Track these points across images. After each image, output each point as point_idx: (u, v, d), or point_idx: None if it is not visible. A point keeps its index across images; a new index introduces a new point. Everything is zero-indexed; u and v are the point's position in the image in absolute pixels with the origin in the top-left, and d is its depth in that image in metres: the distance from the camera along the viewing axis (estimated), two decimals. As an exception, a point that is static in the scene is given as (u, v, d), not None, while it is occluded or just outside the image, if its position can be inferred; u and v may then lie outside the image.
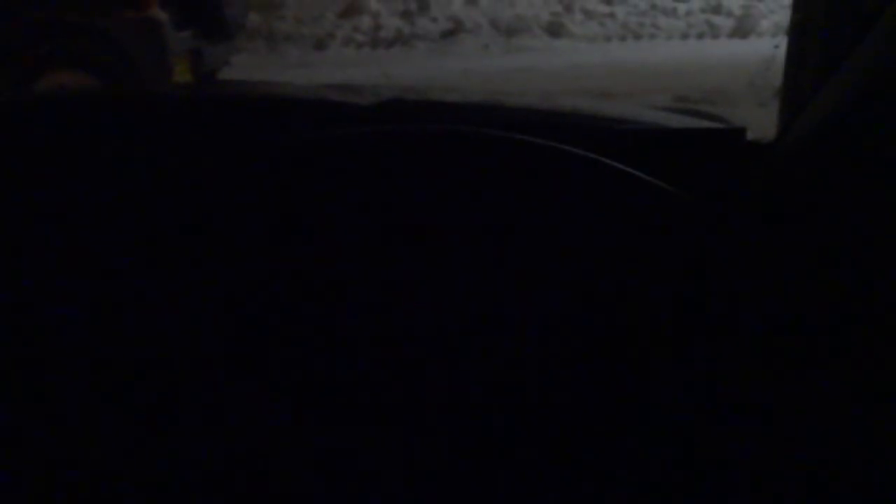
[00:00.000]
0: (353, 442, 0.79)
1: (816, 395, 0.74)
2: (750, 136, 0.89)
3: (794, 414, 0.75)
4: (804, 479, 0.76)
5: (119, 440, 0.79)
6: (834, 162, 0.72)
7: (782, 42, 0.99)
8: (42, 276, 0.83)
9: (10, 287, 0.82)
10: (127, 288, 0.78)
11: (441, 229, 0.79)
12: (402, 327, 0.80)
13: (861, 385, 0.73)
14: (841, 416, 0.73)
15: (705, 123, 1.04)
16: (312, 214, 0.79)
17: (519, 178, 0.76)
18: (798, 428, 0.75)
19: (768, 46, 5.85)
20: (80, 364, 0.80)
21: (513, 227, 0.78)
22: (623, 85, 6.30)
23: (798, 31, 0.86)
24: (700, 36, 9.18)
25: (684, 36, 9.19)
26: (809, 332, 0.70)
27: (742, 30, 9.07)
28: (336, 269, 0.79)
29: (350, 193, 0.78)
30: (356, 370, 0.79)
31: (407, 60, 8.32)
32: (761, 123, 0.93)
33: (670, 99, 5.42)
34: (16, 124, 0.95)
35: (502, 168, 0.76)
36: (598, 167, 0.72)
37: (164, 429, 0.79)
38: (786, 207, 0.77)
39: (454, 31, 9.00)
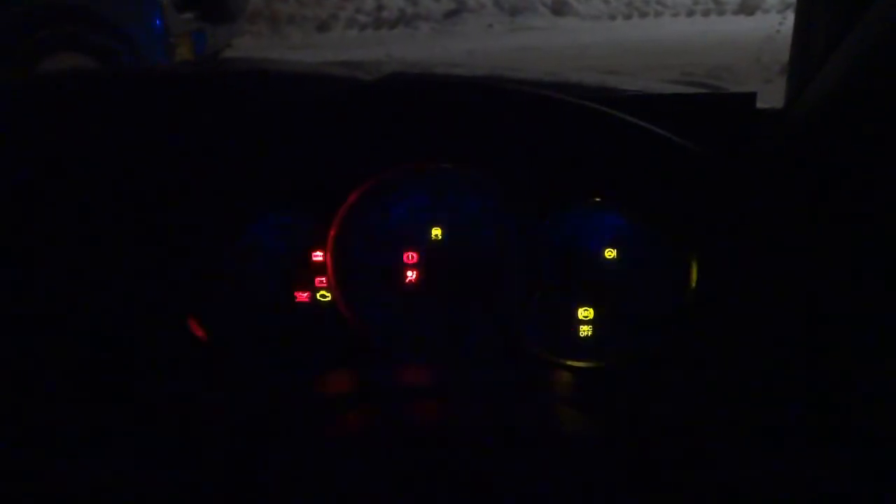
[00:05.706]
0: None
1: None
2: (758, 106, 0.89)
3: None
4: None
5: None
6: (840, 130, 0.71)
7: (788, 18, 0.98)
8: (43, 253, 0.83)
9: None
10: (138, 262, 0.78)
11: None
12: None
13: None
14: None
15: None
16: None
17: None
18: None
19: (774, 22, 5.79)
20: None
21: None
22: (629, 63, 6.25)
23: (804, 5, 0.85)
24: (706, 13, 9.09)
25: (690, 13, 9.10)
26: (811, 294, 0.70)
27: (748, 6, 8.97)
28: None
29: None
30: None
31: (410, 41, 8.26)
32: (768, 99, 0.92)
33: (677, 76, 5.38)
34: (16, 104, 0.94)
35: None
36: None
37: None
38: (793, 173, 0.77)
39: (458, 10, 8.92)
